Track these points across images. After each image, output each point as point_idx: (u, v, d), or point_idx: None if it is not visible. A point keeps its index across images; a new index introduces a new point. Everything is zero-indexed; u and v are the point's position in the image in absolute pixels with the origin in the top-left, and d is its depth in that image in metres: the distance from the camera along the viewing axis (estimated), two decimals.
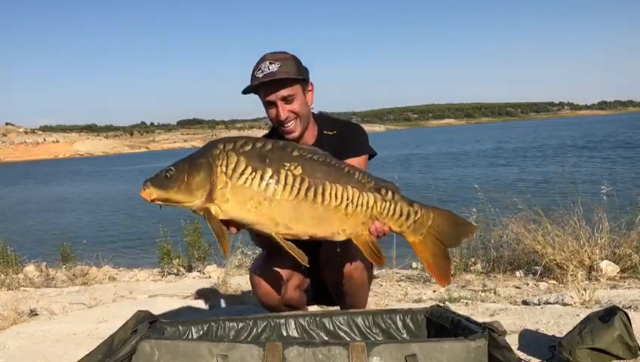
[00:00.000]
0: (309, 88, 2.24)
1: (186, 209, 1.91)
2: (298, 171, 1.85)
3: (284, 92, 2.13)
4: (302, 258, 1.92)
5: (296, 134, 2.20)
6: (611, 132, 43.60)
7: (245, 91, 2.19)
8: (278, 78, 2.09)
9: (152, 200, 1.86)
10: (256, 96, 2.21)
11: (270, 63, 2.10)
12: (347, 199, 1.88)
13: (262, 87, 2.13)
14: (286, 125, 2.18)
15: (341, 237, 1.93)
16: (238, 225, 1.90)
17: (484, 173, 18.90)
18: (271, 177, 1.83)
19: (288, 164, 1.86)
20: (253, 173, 1.83)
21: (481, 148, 37.44)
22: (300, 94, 2.18)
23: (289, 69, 2.12)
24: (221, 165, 1.84)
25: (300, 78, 2.15)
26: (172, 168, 1.87)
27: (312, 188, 1.85)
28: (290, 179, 1.84)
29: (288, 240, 1.90)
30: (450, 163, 26.61)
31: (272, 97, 2.14)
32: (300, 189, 1.84)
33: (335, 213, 1.88)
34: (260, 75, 2.10)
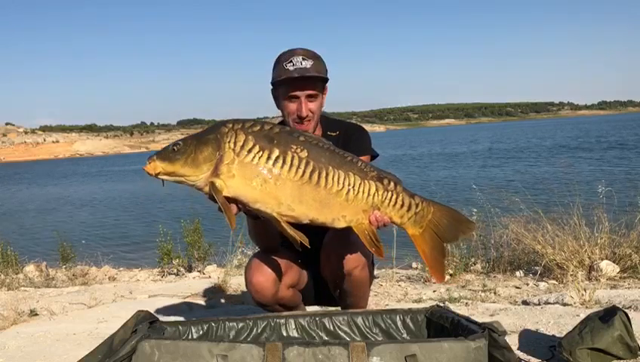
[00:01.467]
0: (325, 93, 2.29)
1: (190, 184, 1.90)
2: (304, 154, 1.88)
3: (311, 90, 2.17)
4: (303, 238, 1.93)
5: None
6: (608, 132, 43.68)
7: (274, 82, 2.21)
8: (311, 76, 2.13)
9: (157, 174, 1.86)
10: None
11: (303, 59, 2.14)
12: (349, 185, 1.91)
13: (291, 80, 2.15)
14: (304, 122, 2.21)
15: (341, 224, 1.95)
16: (240, 204, 1.90)
17: (478, 174, 18.89)
18: (278, 157, 1.86)
19: (295, 147, 1.89)
20: (261, 152, 1.86)
21: (476, 148, 37.46)
22: (320, 96, 2.23)
23: (320, 69, 2.18)
24: (229, 142, 1.86)
25: (327, 79, 2.21)
26: (180, 142, 1.89)
27: (316, 172, 1.88)
28: (295, 161, 1.87)
29: (289, 223, 1.92)
30: (444, 163, 26.61)
31: (298, 92, 2.17)
32: (304, 171, 1.87)
33: (336, 198, 1.90)
34: (292, 68, 2.13)
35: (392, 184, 1.97)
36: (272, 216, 1.90)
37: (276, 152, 1.86)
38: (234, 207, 1.90)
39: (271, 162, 1.85)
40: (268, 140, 1.88)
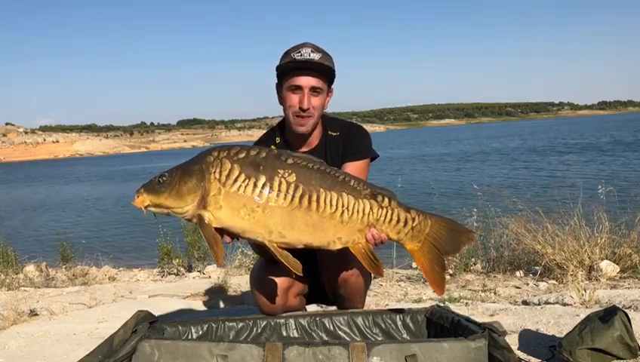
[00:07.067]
0: (330, 94, 2.25)
1: (179, 216, 1.87)
2: (292, 178, 1.83)
3: (316, 82, 2.13)
4: (296, 267, 1.87)
5: (305, 129, 2.18)
6: (607, 132, 43.77)
7: (280, 68, 2.16)
8: (318, 64, 2.09)
9: (146, 207, 1.83)
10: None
11: (312, 51, 2.10)
12: (342, 206, 1.86)
13: (295, 69, 2.11)
14: (303, 115, 2.15)
15: (337, 246, 1.90)
16: (232, 234, 1.86)
17: (468, 174, 18.86)
18: (264, 184, 1.80)
19: (282, 171, 1.83)
20: (247, 180, 1.80)
21: (466, 149, 37.45)
22: (324, 94, 2.18)
23: (328, 63, 2.13)
24: (214, 172, 1.82)
25: (334, 73, 2.17)
26: (165, 174, 1.85)
27: (307, 196, 1.82)
28: (283, 186, 1.81)
29: (283, 248, 1.86)
30: (436, 164, 26.54)
31: (302, 81, 2.12)
32: (293, 196, 1.81)
33: (330, 221, 1.85)
34: (300, 57, 2.09)
35: (386, 200, 1.92)
36: (264, 244, 1.85)
37: (262, 179, 1.80)
38: (226, 238, 1.86)
39: (258, 190, 1.79)
40: (254, 167, 1.82)
